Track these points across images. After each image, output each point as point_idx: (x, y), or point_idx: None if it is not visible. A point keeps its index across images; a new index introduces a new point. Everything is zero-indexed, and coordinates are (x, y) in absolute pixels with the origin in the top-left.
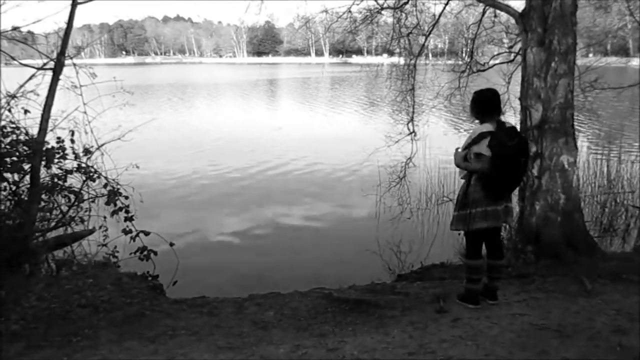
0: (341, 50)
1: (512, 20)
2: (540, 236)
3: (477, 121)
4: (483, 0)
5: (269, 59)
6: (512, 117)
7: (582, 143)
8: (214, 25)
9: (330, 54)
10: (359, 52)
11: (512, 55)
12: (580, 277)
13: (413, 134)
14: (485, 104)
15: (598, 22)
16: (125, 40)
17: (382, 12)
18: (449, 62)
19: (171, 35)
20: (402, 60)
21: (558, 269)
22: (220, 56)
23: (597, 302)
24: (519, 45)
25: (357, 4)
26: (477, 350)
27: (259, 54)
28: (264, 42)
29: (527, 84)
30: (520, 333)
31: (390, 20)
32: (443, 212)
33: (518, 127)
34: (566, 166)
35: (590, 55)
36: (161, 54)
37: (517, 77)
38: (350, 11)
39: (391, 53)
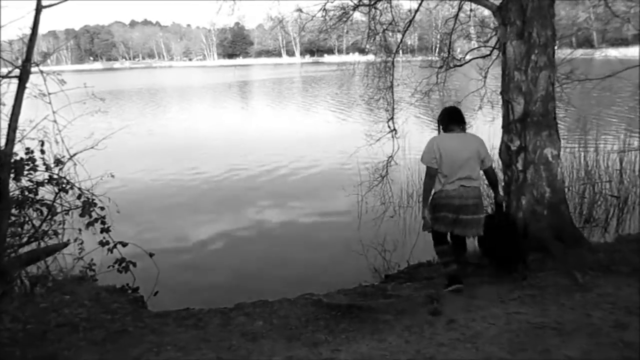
0: (312, 50)
1: (487, 14)
2: (528, 230)
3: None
4: None
5: (240, 60)
6: (490, 112)
7: (563, 135)
8: (182, 28)
9: (301, 54)
10: (330, 51)
11: (489, 49)
12: (572, 270)
13: (394, 132)
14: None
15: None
16: (93, 45)
17: (357, 9)
18: (425, 58)
19: (139, 39)
20: (375, 58)
21: (547, 263)
22: (190, 59)
23: (592, 297)
24: (494, 40)
25: (332, 2)
26: (477, 352)
27: (230, 56)
28: (235, 44)
29: (507, 77)
30: (518, 332)
31: (362, 18)
32: None
33: (497, 121)
34: (550, 159)
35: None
36: (130, 58)
37: (493, 71)
38: (325, 9)
39: (364, 52)
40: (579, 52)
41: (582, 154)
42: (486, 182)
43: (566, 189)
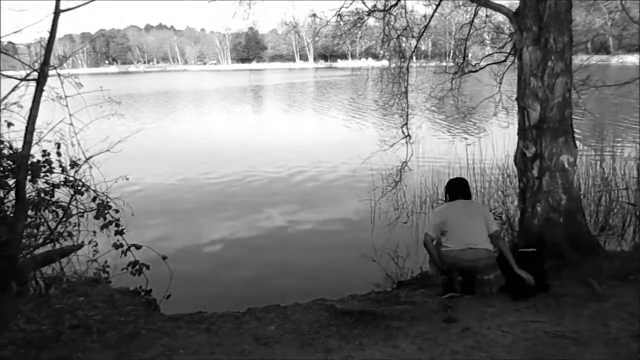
0: (326, 55)
1: (502, 20)
2: (543, 238)
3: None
4: (475, 0)
5: (254, 65)
6: (504, 118)
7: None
8: (197, 32)
9: (315, 59)
10: (344, 56)
11: (504, 55)
12: (588, 279)
13: (408, 138)
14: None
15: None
16: (108, 49)
17: (371, 15)
18: (440, 64)
19: (154, 43)
20: (390, 64)
21: (563, 271)
22: (204, 63)
23: (609, 306)
24: (509, 46)
25: (346, 7)
26: None
27: (244, 60)
28: (248, 49)
29: (523, 83)
30: (534, 341)
31: (376, 23)
32: None
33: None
34: (566, 166)
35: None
36: (145, 62)
37: (508, 77)
38: (339, 15)
39: (378, 57)
40: (595, 58)
41: (599, 161)
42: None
43: (582, 197)
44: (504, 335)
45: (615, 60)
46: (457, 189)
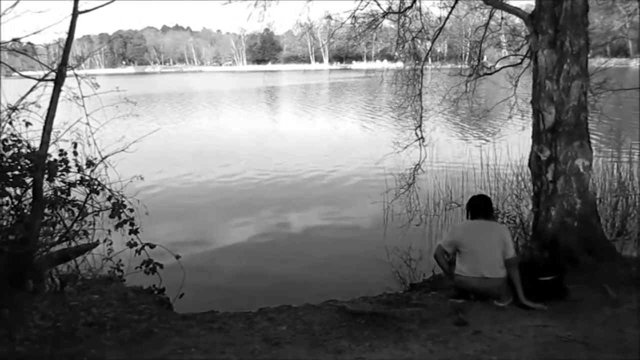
0: (341, 56)
1: (518, 22)
2: (557, 242)
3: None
4: (491, 3)
5: (269, 66)
6: (520, 121)
7: (593, 145)
8: (213, 33)
9: (330, 60)
10: (359, 58)
11: (520, 58)
12: (602, 284)
13: (421, 140)
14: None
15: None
16: (125, 50)
17: (386, 17)
18: (455, 66)
19: (171, 44)
20: (404, 66)
21: (577, 276)
22: (220, 64)
23: (623, 312)
24: (524, 48)
25: (361, 9)
26: None
27: (259, 61)
28: (264, 50)
29: (539, 86)
30: (546, 346)
31: (391, 25)
32: (452, 218)
33: (528, 131)
34: (581, 170)
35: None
36: (161, 63)
37: (524, 80)
38: (354, 17)
39: (393, 59)
40: (613, 61)
41: (616, 165)
42: None
43: (598, 201)
44: (515, 339)
45: (634, 63)
46: (479, 208)
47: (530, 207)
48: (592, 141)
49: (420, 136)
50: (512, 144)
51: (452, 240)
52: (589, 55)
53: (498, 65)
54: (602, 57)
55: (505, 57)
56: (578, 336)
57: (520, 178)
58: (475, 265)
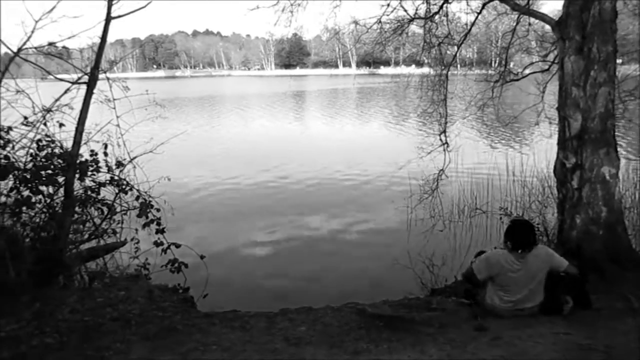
0: (368, 61)
1: (547, 28)
2: (582, 250)
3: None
4: (518, 9)
5: (297, 71)
6: (547, 128)
7: (620, 153)
8: (242, 38)
9: (357, 65)
10: (387, 63)
11: (547, 64)
12: (626, 294)
13: (446, 145)
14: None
15: (632, 29)
16: (156, 54)
17: (412, 22)
18: (481, 72)
19: (200, 49)
20: (431, 71)
21: (601, 285)
22: (249, 69)
23: None
24: (553, 54)
25: (387, 15)
26: None
27: (287, 66)
28: (292, 54)
29: (565, 93)
30: (565, 353)
31: (419, 30)
32: (476, 224)
33: (555, 137)
34: (607, 177)
35: (620, 62)
36: (191, 67)
37: (552, 86)
38: (380, 22)
39: (420, 64)
40: None
41: None
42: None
43: (627, 210)
44: (535, 346)
45: None
46: (522, 237)
47: (555, 214)
48: (622, 149)
49: (444, 141)
50: (538, 151)
51: (489, 270)
52: (621, 62)
53: (526, 72)
54: (637, 63)
55: (532, 63)
56: (598, 345)
57: (546, 185)
58: (514, 300)
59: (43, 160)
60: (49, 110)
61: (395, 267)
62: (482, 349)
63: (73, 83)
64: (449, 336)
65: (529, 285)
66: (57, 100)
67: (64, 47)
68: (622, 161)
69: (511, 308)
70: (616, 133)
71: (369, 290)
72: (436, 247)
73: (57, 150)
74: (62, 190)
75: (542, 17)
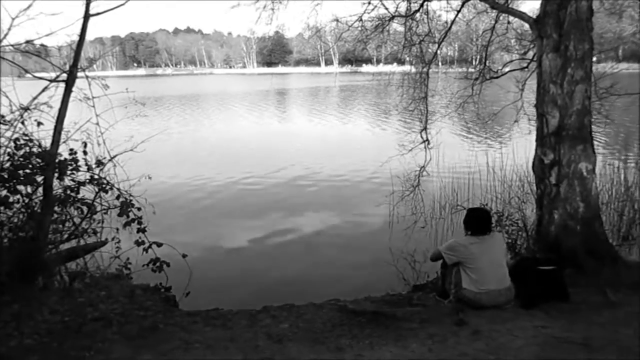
0: (351, 59)
1: (526, 27)
2: (560, 245)
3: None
4: (497, 7)
5: (279, 69)
6: (526, 125)
7: (598, 150)
8: (224, 36)
9: (339, 63)
10: (369, 61)
11: (526, 62)
12: (603, 287)
13: (427, 142)
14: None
15: (609, 28)
16: (137, 52)
17: (393, 20)
18: (461, 69)
19: (182, 46)
20: (413, 69)
21: (579, 279)
22: (231, 67)
23: (621, 314)
24: (532, 52)
25: (368, 13)
26: None
27: (269, 64)
28: (274, 53)
29: (543, 90)
30: (544, 346)
31: (400, 28)
32: (457, 221)
33: (534, 134)
34: (585, 173)
35: (596, 60)
36: (172, 65)
37: (531, 83)
38: (361, 20)
39: (401, 62)
40: (624, 66)
41: (623, 170)
42: None
43: (604, 206)
44: (514, 339)
45: None
46: (480, 223)
47: (534, 210)
48: (599, 146)
49: (425, 139)
50: (518, 147)
51: (456, 254)
52: (598, 60)
53: (505, 69)
54: (615, 61)
55: (512, 60)
56: (576, 337)
57: (525, 181)
58: (485, 283)
59: (21, 159)
60: (26, 109)
61: (377, 264)
62: (463, 343)
63: (51, 81)
64: (430, 331)
65: (500, 265)
66: (35, 98)
67: (42, 45)
68: (599, 157)
69: (488, 290)
70: (594, 130)
71: (351, 286)
72: (418, 243)
73: (35, 149)
74: (40, 189)
75: (521, 15)
